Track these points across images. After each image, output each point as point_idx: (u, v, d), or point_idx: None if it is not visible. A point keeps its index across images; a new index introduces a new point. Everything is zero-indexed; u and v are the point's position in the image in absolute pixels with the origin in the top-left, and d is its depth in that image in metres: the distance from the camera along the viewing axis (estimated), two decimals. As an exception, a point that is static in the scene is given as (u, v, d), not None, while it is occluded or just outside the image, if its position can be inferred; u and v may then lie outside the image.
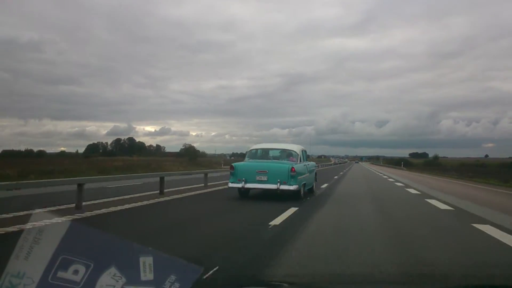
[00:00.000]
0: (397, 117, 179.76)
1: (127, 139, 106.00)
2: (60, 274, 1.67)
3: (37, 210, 7.87)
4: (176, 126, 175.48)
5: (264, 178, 10.67)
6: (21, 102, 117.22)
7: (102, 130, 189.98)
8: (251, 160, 11.96)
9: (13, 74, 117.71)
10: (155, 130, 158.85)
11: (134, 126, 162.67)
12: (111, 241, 1.67)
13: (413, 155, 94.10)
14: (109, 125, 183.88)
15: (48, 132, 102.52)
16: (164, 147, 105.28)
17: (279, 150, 12.43)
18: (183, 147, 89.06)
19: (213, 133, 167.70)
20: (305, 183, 11.71)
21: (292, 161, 11.34)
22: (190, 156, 65.09)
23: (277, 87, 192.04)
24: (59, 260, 1.67)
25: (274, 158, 11.85)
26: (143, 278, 1.61)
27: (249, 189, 11.12)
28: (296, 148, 12.29)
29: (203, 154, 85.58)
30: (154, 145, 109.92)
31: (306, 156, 13.26)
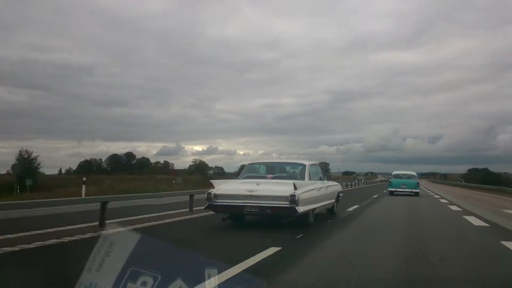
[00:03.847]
0: (451, 132, 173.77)
1: (124, 155, 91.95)
2: (130, 286, 1.75)
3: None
4: (223, 145, 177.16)
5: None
6: (76, 124, 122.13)
7: (152, 150, 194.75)
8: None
9: (68, 97, 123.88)
10: (202, 149, 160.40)
11: (183, 146, 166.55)
12: (178, 254, 1.72)
13: (472, 170, 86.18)
14: (159, 145, 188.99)
15: (100, 153, 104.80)
16: (173, 164, 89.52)
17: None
18: (193, 163, 79.75)
19: (260, 152, 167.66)
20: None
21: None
22: (202, 172, 61.63)
23: (324, 104, 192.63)
24: (128, 272, 1.75)
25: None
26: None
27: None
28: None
29: (221, 171, 75.05)
30: (162, 161, 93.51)
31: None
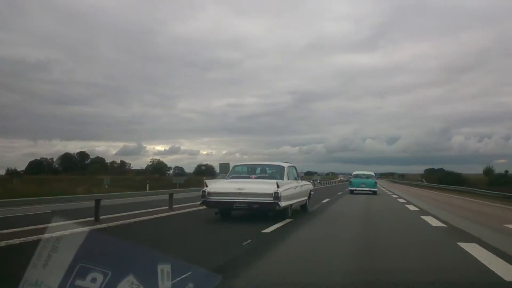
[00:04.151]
0: (408, 133, 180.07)
1: (77, 154, 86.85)
2: (78, 282, 1.69)
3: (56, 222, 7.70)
4: (186, 145, 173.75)
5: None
6: (31, 123, 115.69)
7: (112, 150, 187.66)
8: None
9: (23, 95, 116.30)
10: (164, 149, 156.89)
11: (144, 145, 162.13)
12: (129, 249, 1.67)
13: (429, 171, 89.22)
14: (119, 144, 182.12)
15: (57, 153, 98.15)
16: (130, 164, 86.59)
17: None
18: (150, 163, 78.78)
19: (223, 152, 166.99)
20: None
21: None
22: (159, 173, 60.27)
23: (287, 104, 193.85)
24: (77, 268, 1.68)
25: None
26: (161, 286, 1.62)
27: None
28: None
29: (181, 172, 73.86)
30: (118, 161, 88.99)
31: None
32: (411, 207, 15.31)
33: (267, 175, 10.99)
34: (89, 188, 27.58)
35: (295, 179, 11.76)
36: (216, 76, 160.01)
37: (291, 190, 10.51)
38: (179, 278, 1.67)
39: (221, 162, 27.87)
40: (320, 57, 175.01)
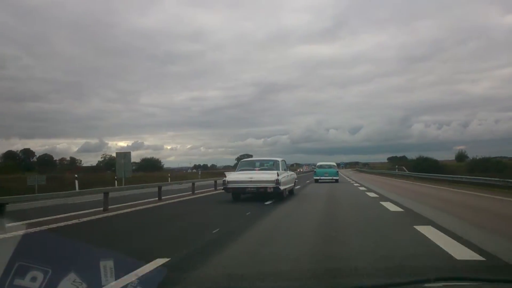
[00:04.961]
0: (370, 122, 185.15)
1: (21, 152, 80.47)
2: (17, 281, 1.65)
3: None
4: (150, 140, 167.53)
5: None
6: None
7: (73, 147, 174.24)
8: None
9: None
10: (127, 145, 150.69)
11: (106, 141, 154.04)
12: (70, 247, 1.66)
13: (392, 159, 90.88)
14: (81, 141, 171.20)
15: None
16: (81, 160, 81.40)
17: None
18: (102, 159, 71.37)
19: (188, 146, 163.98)
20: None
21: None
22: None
23: (251, 96, 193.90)
24: (15, 267, 1.64)
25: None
26: (104, 282, 1.63)
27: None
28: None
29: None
30: (68, 158, 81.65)
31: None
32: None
33: (266, 167, 14.64)
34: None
35: (285, 170, 15.18)
36: (177, 69, 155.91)
37: (286, 177, 14.26)
38: (123, 274, 1.69)
39: (118, 151, 27.65)
40: (282, 49, 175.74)
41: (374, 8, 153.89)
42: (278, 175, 12.88)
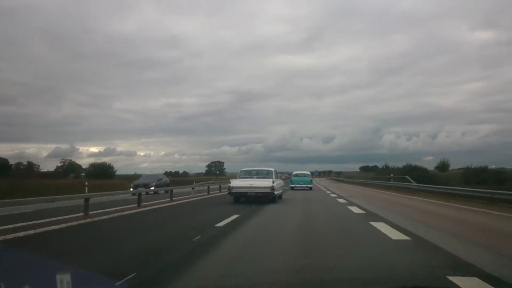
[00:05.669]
0: (343, 132, 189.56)
1: None
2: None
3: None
4: (122, 146, 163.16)
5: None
6: None
7: (43, 152, 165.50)
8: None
9: None
10: (99, 151, 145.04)
11: (78, 147, 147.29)
12: (26, 261, 1.63)
13: (364, 168, 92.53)
14: (51, 146, 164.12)
15: None
16: (39, 165, 76.33)
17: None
18: (61, 163, 71.56)
19: (162, 153, 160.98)
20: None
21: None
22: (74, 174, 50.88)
23: (227, 104, 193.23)
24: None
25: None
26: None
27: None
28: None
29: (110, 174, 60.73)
30: (25, 162, 78.09)
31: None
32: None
33: (262, 176, 17.54)
34: None
35: (276, 178, 18.04)
36: (153, 75, 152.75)
37: (278, 184, 17.59)
38: (79, 287, 1.69)
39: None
40: (258, 58, 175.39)
41: (348, 20, 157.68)
42: (273, 183, 16.02)
